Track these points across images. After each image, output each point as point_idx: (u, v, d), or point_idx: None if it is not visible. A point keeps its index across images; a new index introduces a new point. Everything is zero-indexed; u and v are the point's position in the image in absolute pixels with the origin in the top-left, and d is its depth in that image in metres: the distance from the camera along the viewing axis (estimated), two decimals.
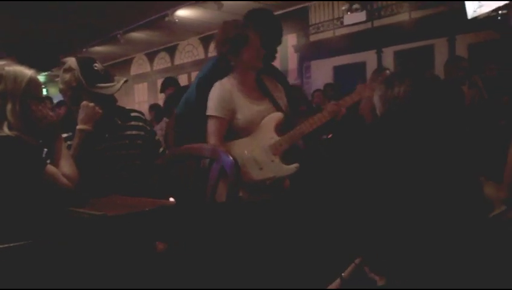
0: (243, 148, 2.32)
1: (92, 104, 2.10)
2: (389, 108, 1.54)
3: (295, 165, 2.32)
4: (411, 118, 1.51)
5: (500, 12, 3.74)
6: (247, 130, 2.36)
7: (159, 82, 11.06)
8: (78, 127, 2.08)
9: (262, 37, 2.36)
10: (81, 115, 2.10)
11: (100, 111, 2.11)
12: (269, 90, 2.45)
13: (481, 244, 1.31)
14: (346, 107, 2.39)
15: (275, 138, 2.34)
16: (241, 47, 2.30)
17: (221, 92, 2.34)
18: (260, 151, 2.33)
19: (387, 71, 4.43)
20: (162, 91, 5.89)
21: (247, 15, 2.58)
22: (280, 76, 2.69)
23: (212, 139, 2.30)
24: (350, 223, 1.45)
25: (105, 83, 2.17)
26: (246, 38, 2.29)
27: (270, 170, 2.32)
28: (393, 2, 6.72)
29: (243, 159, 2.28)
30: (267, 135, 2.35)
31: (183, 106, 2.63)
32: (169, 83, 5.75)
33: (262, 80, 2.46)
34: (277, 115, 2.39)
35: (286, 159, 2.34)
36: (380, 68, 5.35)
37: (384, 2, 6.83)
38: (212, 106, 2.35)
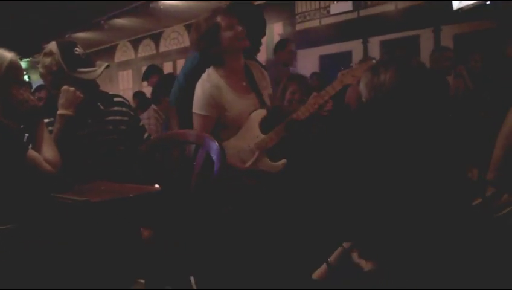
0: (232, 150, 2.31)
1: (72, 89, 2.06)
2: (374, 95, 1.53)
3: (282, 161, 2.33)
4: (396, 104, 1.51)
5: (487, 3, 3.75)
6: (235, 124, 2.37)
7: (144, 69, 10.97)
8: (58, 112, 2.04)
9: (233, 17, 2.32)
10: (61, 99, 2.06)
11: (81, 96, 2.07)
12: (255, 81, 2.43)
13: (470, 229, 1.32)
14: (330, 98, 2.35)
15: (260, 136, 2.35)
16: (215, 35, 2.27)
17: (208, 89, 2.32)
18: (246, 150, 2.33)
19: (373, 61, 4.45)
20: (144, 79, 5.84)
21: (227, 9, 2.55)
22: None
23: None
24: (338, 208, 1.45)
25: (86, 67, 2.13)
26: (217, 25, 2.27)
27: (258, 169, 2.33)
28: None
29: (233, 159, 2.29)
30: (253, 133, 2.35)
31: (175, 100, 2.63)
32: (152, 71, 5.71)
33: (250, 67, 2.44)
34: (261, 113, 2.38)
35: (273, 155, 2.34)
36: (366, 58, 5.35)
37: None
38: (198, 103, 2.33)
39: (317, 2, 7.49)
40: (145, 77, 5.84)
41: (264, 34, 2.57)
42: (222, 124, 2.36)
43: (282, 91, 2.98)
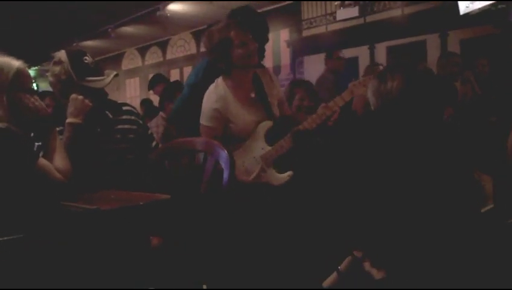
0: (237, 161, 2.30)
1: (81, 97, 2.07)
2: (382, 103, 1.53)
3: (288, 173, 2.33)
4: (404, 112, 1.51)
5: (498, 6, 3.73)
6: (241, 135, 2.37)
7: (151, 77, 11.02)
8: (67, 120, 2.06)
9: (247, 33, 2.32)
10: (70, 108, 2.07)
11: (90, 104, 2.09)
12: (264, 90, 2.42)
13: (478, 237, 1.31)
14: (339, 108, 2.34)
15: (266, 147, 2.35)
16: (227, 49, 2.27)
17: (215, 102, 2.32)
18: (252, 162, 2.33)
19: (380, 66, 4.44)
20: (150, 88, 5.86)
21: (230, 15, 2.55)
22: None
23: None
24: (348, 215, 1.45)
25: (95, 76, 2.14)
26: (229, 40, 2.26)
27: (264, 181, 2.34)
28: None
29: (238, 171, 2.29)
30: (258, 145, 2.35)
31: (175, 111, 2.64)
32: (158, 80, 5.73)
33: (259, 76, 2.43)
34: (267, 124, 2.37)
35: (279, 166, 2.34)
36: (373, 63, 5.36)
37: None
38: (205, 115, 2.35)
39: (323, 8, 7.50)
40: (151, 86, 5.86)
41: (267, 40, 2.56)
42: (228, 135, 2.36)
43: (289, 97, 2.97)
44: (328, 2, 7.38)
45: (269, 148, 2.34)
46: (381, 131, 1.58)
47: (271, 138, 2.36)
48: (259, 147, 2.35)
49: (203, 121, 2.35)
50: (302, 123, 2.33)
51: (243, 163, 2.33)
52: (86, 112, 2.08)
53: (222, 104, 2.32)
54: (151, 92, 6.17)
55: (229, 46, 2.27)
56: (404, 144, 1.49)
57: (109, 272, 1.52)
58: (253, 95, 2.40)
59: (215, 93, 2.35)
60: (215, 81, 2.40)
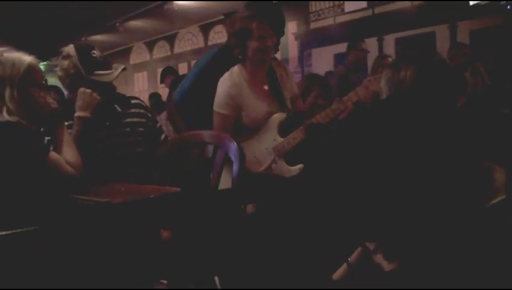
0: (249, 151, 2.31)
1: (89, 91, 2.08)
2: (395, 92, 1.52)
3: (299, 166, 2.32)
4: (417, 101, 1.50)
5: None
6: (253, 126, 2.37)
7: (159, 71, 11.00)
8: (76, 114, 2.06)
9: (268, 27, 2.31)
10: (78, 102, 2.08)
11: (98, 97, 2.09)
12: (279, 83, 2.42)
13: (488, 230, 1.30)
14: (352, 103, 2.32)
15: (278, 139, 2.34)
16: (245, 40, 2.27)
17: (229, 88, 2.33)
18: (263, 153, 2.33)
19: (389, 58, 4.41)
20: (162, 81, 5.93)
21: (248, 6, 2.54)
22: None
23: None
24: (359, 207, 1.44)
25: (103, 70, 2.15)
26: (249, 31, 2.26)
27: (274, 173, 2.34)
28: None
29: (249, 162, 2.28)
30: (270, 136, 2.35)
31: (179, 94, 2.62)
32: (168, 72, 5.77)
33: (274, 69, 2.43)
34: (280, 116, 2.37)
35: (290, 159, 2.34)
36: (381, 55, 5.32)
37: None
38: (218, 101, 2.34)
39: (331, 0, 7.46)
40: (162, 79, 5.93)
41: (283, 34, 2.54)
42: (241, 125, 2.36)
43: (304, 93, 2.95)
44: None
45: (281, 140, 2.34)
46: (393, 120, 1.57)
47: (284, 130, 2.36)
48: (272, 139, 2.34)
49: (217, 107, 2.34)
50: (316, 116, 2.32)
51: (254, 154, 2.33)
52: (95, 106, 2.09)
53: (237, 91, 2.32)
54: (162, 85, 6.23)
55: (247, 36, 2.26)
56: (416, 134, 1.48)
57: (120, 264, 1.53)
58: (266, 87, 2.40)
59: (230, 80, 2.35)
60: (231, 69, 2.39)
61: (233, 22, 2.32)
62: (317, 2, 7.66)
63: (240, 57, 2.34)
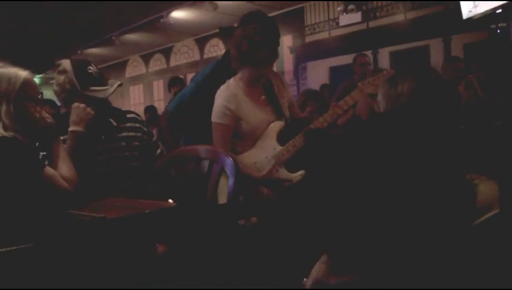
0: (249, 160, 2.35)
1: (83, 105, 2.08)
2: (392, 106, 1.53)
3: (300, 172, 2.34)
4: (413, 115, 1.51)
5: (497, 11, 3.75)
6: (252, 135, 2.39)
7: (155, 84, 11.07)
8: (69, 128, 2.06)
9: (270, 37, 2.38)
10: (72, 116, 2.08)
11: (92, 112, 2.09)
12: (275, 93, 2.46)
13: (480, 247, 1.30)
14: (350, 108, 2.37)
15: (277, 147, 2.36)
16: (255, 53, 2.32)
17: (227, 99, 2.36)
18: (264, 162, 2.34)
19: (384, 71, 4.44)
20: (169, 90, 6.05)
21: (244, 20, 2.56)
22: None
23: (218, 146, 2.30)
24: (353, 217, 1.45)
25: (99, 86, 2.15)
26: (257, 44, 2.32)
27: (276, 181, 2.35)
28: (389, 2, 6.74)
29: (249, 170, 2.32)
30: (270, 145, 2.37)
31: (174, 107, 2.63)
32: (174, 82, 5.84)
33: (271, 79, 2.47)
34: (278, 124, 2.40)
35: (291, 166, 2.36)
36: (376, 69, 5.35)
37: (380, 3, 6.85)
38: (216, 112, 2.37)
39: (326, 14, 7.52)
40: (169, 88, 6.03)
41: (278, 45, 2.58)
42: (240, 135, 2.38)
43: (301, 107, 2.99)
44: (330, 8, 7.41)
45: (281, 148, 2.36)
46: (389, 134, 1.58)
47: (283, 138, 2.38)
48: (271, 147, 2.36)
49: (215, 118, 2.37)
50: (314, 122, 2.36)
51: (254, 163, 2.35)
52: (88, 120, 2.09)
53: (234, 101, 2.35)
54: (157, 97, 6.26)
55: (257, 49, 2.31)
56: (412, 147, 1.49)
57: (115, 279, 1.52)
58: (263, 97, 2.43)
59: (227, 91, 2.38)
60: (227, 82, 2.42)
61: (239, 39, 2.35)
62: (313, 15, 7.72)
63: (238, 68, 2.37)
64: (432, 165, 1.42)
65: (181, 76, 9.86)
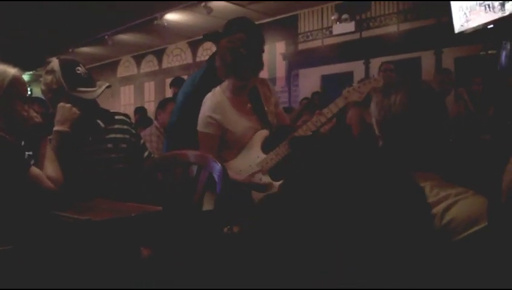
0: (234, 169, 2.33)
1: (68, 105, 2.05)
2: (384, 116, 1.54)
3: (281, 182, 2.32)
4: (404, 126, 1.51)
5: (488, 27, 3.78)
6: (237, 144, 2.39)
7: (146, 85, 11.03)
8: (54, 128, 2.03)
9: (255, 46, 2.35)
10: (57, 116, 2.05)
11: (78, 112, 2.06)
12: (261, 101, 2.45)
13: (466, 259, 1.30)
14: (334, 116, 2.34)
15: (261, 155, 2.36)
16: (239, 63, 2.30)
17: (211, 107, 2.35)
18: (247, 170, 2.33)
19: (370, 79, 4.46)
20: (170, 87, 6.06)
21: (228, 26, 2.55)
22: None
23: None
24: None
25: (86, 87, 2.13)
26: (240, 54, 2.29)
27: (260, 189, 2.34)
28: (382, 13, 6.79)
29: (235, 178, 2.29)
30: (254, 153, 2.37)
31: (173, 125, 2.65)
32: (175, 83, 5.81)
33: (257, 87, 2.46)
34: (262, 133, 2.40)
35: (275, 174, 2.35)
36: (366, 78, 5.37)
37: (373, 13, 6.89)
38: (201, 121, 2.37)
39: (320, 22, 7.55)
40: (171, 85, 5.98)
41: (263, 51, 2.56)
42: (225, 143, 2.37)
43: (297, 116, 2.99)
44: (324, 17, 7.44)
45: (264, 156, 2.35)
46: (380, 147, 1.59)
47: (267, 146, 2.38)
48: (255, 156, 2.36)
49: (200, 127, 2.36)
50: (298, 130, 2.34)
51: (239, 171, 2.34)
52: (74, 120, 2.06)
53: (219, 110, 2.34)
54: (148, 98, 6.25)
55: (240, 61, 2.29)
56: (403, 158, 1.50)
57: (99, 283, 1.50)
58: (249, 105, 2.41)
59: (212, 100, 2.37)
60: (212, 90, 2.41)
61: (224, 50, 2.34)
62: (306, 23, 7.75)
63: (223, 78, 2.36)
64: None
65: (172, 78, 9.89)
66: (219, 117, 2.33)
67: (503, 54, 3.28)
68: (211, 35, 3.11)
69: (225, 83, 2.42)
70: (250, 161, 2.36)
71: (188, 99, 2.62)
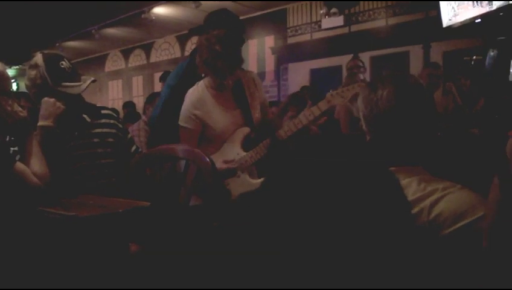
0: None
1: (52, 100, 2.02)
2: (370, 110, 1.54)
3: (261, 179, 2.33)
4: (391, 121, 1.51)
5: (476, 21, 3.80)
6: (219, 139, 2.37)
7: (134, 79, 10.95)
8: (38, 123, 2.01)
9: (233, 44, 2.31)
10: (41, 111, 2.03)
11: (62, 107, 2.04)
12: (245, 95, 2.43)
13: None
14: (316, 119, 2.32)
15: (241, 153, 2.35)
16: (215, 61, 2.25)
17: (193, 103, 2.34)
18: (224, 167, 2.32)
19: (355, 84, 4.45)
20: (160, 80, 5.89)
21: (208, 19, 2.52)
22: None
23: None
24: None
25: (71, 81, 2.10)
26: (217, 52, 2.24)
27: (237, 186, 2.33)
28: (371, 7, 6.80)
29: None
30: (234, 150, 2.36)
31: (157, 118, 2.61)
32: (163, 78, 5.70)
33: (241, 80, 2.43)
34: (243, 130, 2.38)
35: (253, 173, 2.36)
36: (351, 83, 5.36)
37: (362, 8, 6.90)
38: (182, 115, 2.35)
39: (308, 17, 7.55)
40: (161, 79, 5.87)
41: (243, 42, 2.51)
42: (206, 138, 2.36)
43: (282, 111, 2.98)
44: (313, 11, 7.43)
45: (244, 154, 2.35)
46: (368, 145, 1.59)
47: (247, 144, 2.37)
48: (235, 153, 2.35)
49: (181, 121, 2.35)
50: (278, 132, 2.33)
51: (218, 169, 2.33)
52: (58, 115, 2.03)
53: (200, 106, 2.33)
54: (136, 93, 6.15)
55: (216, 58, 2.25)
56: (390, 153, 1.50)
57: (87, 279, 1.49)
58: (232, 100, 2.40)
59: (194, 95, 2.36)
60: (196, 84, 2.39)
61: (202, 47, 2.30)
62: (295, 17, 7.74)
63: (203, 75, 2.35)
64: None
65: (160, 72, 9.83)
66: (200, 113, 2.32)
67: (489, 61, 3.29)
68: (195, 29, 3.08)
69: (207, 78, 2.39)
70: (230, 157, 2.34)
71: (173, 91, 2.60)
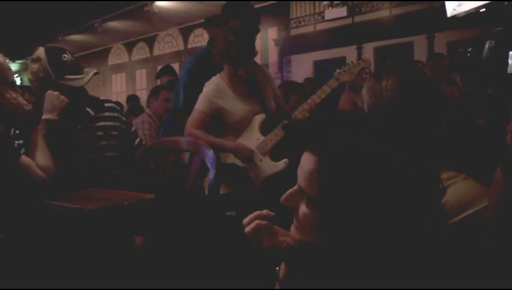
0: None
1: (56, 93, 2.02)
2: (375, 100, 1.53)
3: (284, 160, 2.39)
4: (395, 111, 1.51)
5: (480, 10, 3.76)
6: (237, 128, 2.44)
7: (137, 72, 10.96)
8: (43, 117, 2.00)
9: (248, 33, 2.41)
10: (45, 104, 2.02)
11: (66, 100, 2.04)
12: (259, 86, 2.51)
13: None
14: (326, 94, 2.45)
15: (260, 137, 2.43)
16: (229, 50, 2.37)
17: (212, 90, 2.43)
18: None
19: (360, 60, 4.45)
20: (157, 78, 5.85)
21: (224, 10, 2.56)
22: None
23: (190, 128, 2.37)
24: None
25: (73, 74, 2.09)
26: (230, 42, 2.36)
27: (261, 169, 2.40)
28: None
29: (235, 159, 2.37)
30: (254, 135, 2.44)
31: (183, 100, 2.66)
32: (166, 72, 5.67)
33: (254, 73, 2.51)
34: (261, 117, 2.47)
35: (275, 155, 2.42)
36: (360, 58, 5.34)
37: None
38: (201, 101, 2.43)
39: (312, 8, 7.51)
40: (159, 75, 5.84)
41: (258, 31, 2.58)
42: (227, 127, 2.43)
43: (284, 99, 3.02)
44: (316, 2, 7.39)
45: (263, 138, 2.42)
46: (371, 130, 1.58)
47: (265, 128, 2.45)
48: (255, 138, 2.43)
49: (197, 105, 2.43)
50: (294, 112, 2.45)
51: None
52: (62, 108, 2.03)
53: (220, 95, 2.41)
54: (139, 86, 6.12)
55: (230, 49, 2.36)
56: (394, 144, 1.49)
57: (92, 272, 1.50)
58: (246, 89, 2.48)
59: (213, 85, 2.45)
60: (212, 78, 2.48)
61: (217, 36, 2.40)
62: (298, 9, 7.70)
63: (219, 65, 2.44)
64: (419, 164, 1.42)
65: (163, 65, 9.83)
66: (219, 101, 2.40)
67: (486, 53, 3.26)
68: (211, 19, 3.15)
69: (223, 70, 2.47)
70: (250, 142, 2.41)
71: (191, 75, 2.67)
